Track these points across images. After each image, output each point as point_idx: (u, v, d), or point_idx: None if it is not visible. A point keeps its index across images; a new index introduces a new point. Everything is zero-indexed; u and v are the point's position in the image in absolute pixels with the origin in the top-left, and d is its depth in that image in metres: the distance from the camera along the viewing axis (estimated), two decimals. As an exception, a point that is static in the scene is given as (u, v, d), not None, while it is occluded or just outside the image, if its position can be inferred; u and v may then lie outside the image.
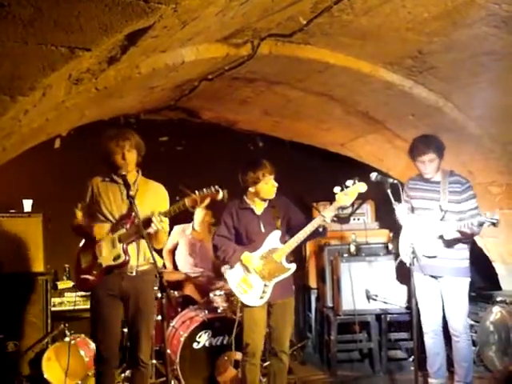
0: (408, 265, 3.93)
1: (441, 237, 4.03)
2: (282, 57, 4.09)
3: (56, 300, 5.10)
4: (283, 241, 3.93)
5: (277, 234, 3.93)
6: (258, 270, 3.87)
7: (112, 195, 3.65)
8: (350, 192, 3.78)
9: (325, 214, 3.80)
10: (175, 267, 5.63)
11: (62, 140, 5.51)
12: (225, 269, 4.07)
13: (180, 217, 5.49)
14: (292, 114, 5.63)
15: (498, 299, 4.96)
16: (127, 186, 3.53)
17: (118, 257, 3.55)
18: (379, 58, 4.18)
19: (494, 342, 4.84)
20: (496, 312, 4.86)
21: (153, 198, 3.70)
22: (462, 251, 4.09)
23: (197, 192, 3.47)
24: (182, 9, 2.57)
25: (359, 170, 5.71)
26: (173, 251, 5.67)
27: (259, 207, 4.00)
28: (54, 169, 5.52)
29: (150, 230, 3.48)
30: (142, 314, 3.63)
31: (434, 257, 4.06)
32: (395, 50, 4.00)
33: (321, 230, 3.88)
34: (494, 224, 3.78)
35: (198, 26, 3.11)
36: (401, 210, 4.23)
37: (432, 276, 4.13)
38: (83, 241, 3.74)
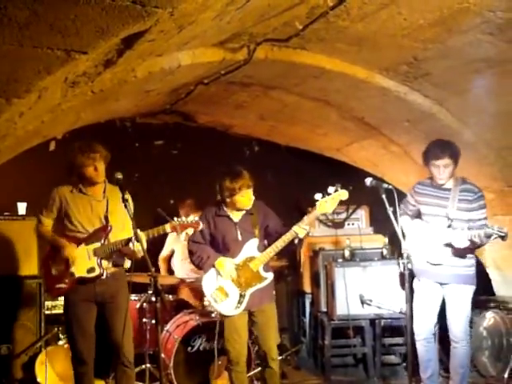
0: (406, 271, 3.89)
1: (448, 245, 3.98)
2: (278, 62, 4.10)
3: (49, 303, 5.07)
4: (261, 249, 3.87)
5: (254, 242, 3.86)
6: (233, 279, 3.81)
7: (82, 207, 3.70)
8: (331, 199, 3.74)
9: (296, 230, 3.71)
10: (170, 274, 5.62)
11: (57, 143, 5.50)
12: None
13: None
14: (288, 119, 5.64)
15: (492, 305, 4.97)
16: (122, 189, 3.52)
17: (93, 270, 3.61)
18: (375, 63, 4.19)
19: (487, 348, 4.85)
20: (489, 318, 4.87)
21: (118, 203, 3.67)
22: (469, 259, 4.06)
23: (177, 220, 3.60)
24: (178, 13, 2.57)
25: (354, 174, 5.72)
26: (168, 259, 5.65)
27: (237, 214, 3.91)
28: (49, 172, 5.48)
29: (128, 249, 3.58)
30: (120, 315, 3.64)
31: (440, 264, 4.03)
32: (391, 56, 4.01)
33: (296, 241, 3.80)
34: (502, 237, 3.74)
35: (195, 30, 3.12)
36: (405, 220, 4.21)
37: (437, 282, 4.11)
38: (51, 247, 3.76)
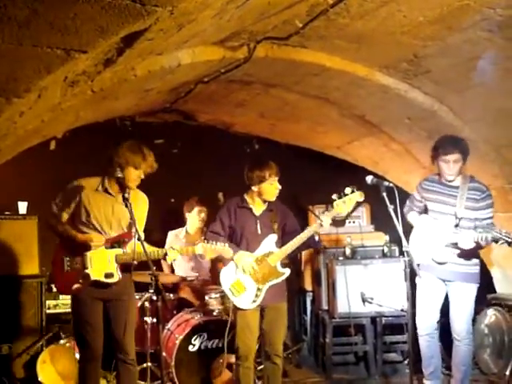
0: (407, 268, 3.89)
1: (455, 244, 3.98)
2: (278, 60, 4.10)
3: (51, 302, 5.08)
4: (279, 245, 3.91)
5: (273, 237, 3.92)
6: (251, 273, 3.85)
7: (103, 207, 3.60)
8: (347, 200, 3.78)
9: (323, 219, 3.79)
10: (172, 271, 5.61)
11: (58, 142, 5.50)
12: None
13: (173, 221, 5.53)
14: (288, 117, 5.63)
15: (493, 302, 4.97)
16: (123, 188, 3.51)
17: (111, 275, 3.53)
18: (375, 61, 4.19)
19: (488, 345, 4.86)
20: (491, 315, 4.87)
21: (140, 209, 3.71)
22: (473, 257, 4.06)
23: (210, 243, 3.58)
24: (178, 12, 2.57)
25: (355, 173, 5.72)
26: None
27: (258, 208, 3.97)
28: (50, 171, 5.49)
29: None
30: (123, 312, 3.64)
31: (444, 263, 4.03)
32: (391, 54, 4.01)
33: (316, 238, 3.88)
34: (509, 244, 3.73)
35: (195, 28, 3.12)
36: (413, 216, 4.21)
37: (440, 279, 4.10)
38: (62, 241, 3.64)
